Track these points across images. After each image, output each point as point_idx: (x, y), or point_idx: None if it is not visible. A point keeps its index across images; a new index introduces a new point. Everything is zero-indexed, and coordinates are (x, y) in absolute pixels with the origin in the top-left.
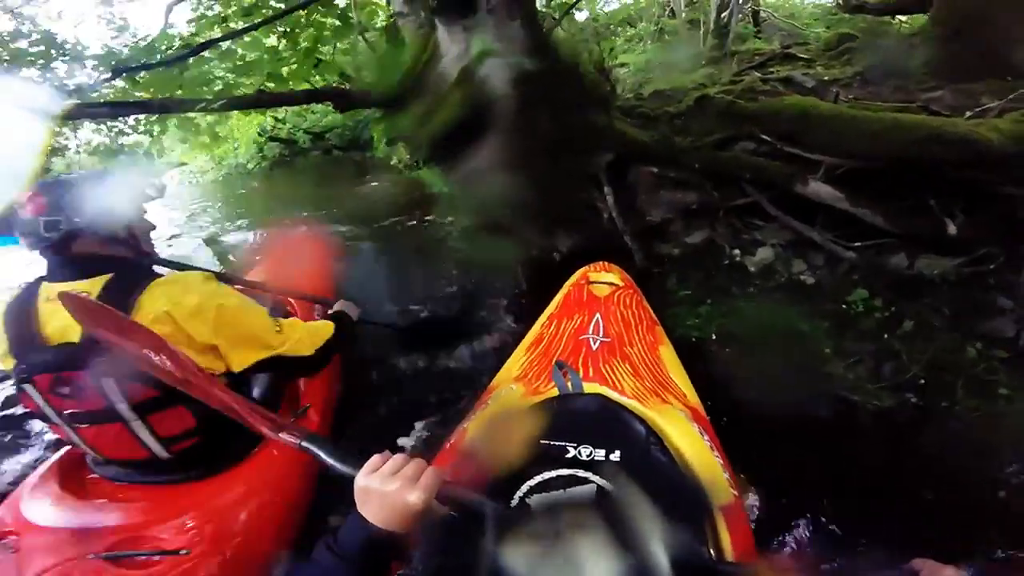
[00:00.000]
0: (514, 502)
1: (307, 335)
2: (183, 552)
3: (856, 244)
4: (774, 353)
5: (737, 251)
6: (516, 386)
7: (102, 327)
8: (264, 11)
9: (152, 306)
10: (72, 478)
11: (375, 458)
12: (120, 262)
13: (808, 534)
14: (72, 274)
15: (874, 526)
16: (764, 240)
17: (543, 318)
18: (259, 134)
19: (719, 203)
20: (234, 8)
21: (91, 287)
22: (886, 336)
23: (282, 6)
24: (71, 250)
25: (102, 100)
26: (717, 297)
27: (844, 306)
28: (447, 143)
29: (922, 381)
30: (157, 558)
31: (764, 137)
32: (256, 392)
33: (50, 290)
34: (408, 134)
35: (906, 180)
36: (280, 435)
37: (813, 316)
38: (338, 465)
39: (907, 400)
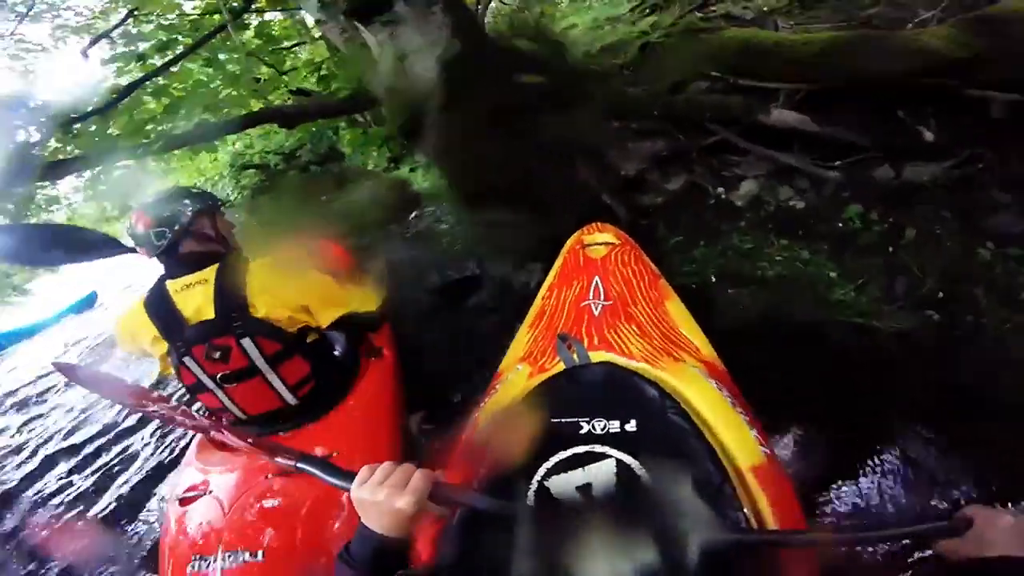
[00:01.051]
0: (533, 487)
1: (367, 296)
2: (334, 454)
3: (837, 163)
4: (778, 286)
5: (721, 189)
6: (522, 367)
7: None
8: (179, 44)
9: (259, 283)
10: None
11: (364, 470)
12: (219, 255)
13: (850, 484)
14: (186, 271)
15: (917, 466)
16: (745, 174)
17: (543, 291)
18: (231, 165)
19: (688, 146)
20: (150, 45)
21: (207, 276)
22: (890, 249)
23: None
24: (179, 252)
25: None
26: (709, 239)
27: (840, 225)
28: (404, 141)
29: (940, 295)
30: None
31: (715, 74)
32: (337, 349)
33: (175, 285)
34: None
35: (870, 95)
36: (276, 459)
37: (811, 240)
38: (333, 480)
39: (928, 318)
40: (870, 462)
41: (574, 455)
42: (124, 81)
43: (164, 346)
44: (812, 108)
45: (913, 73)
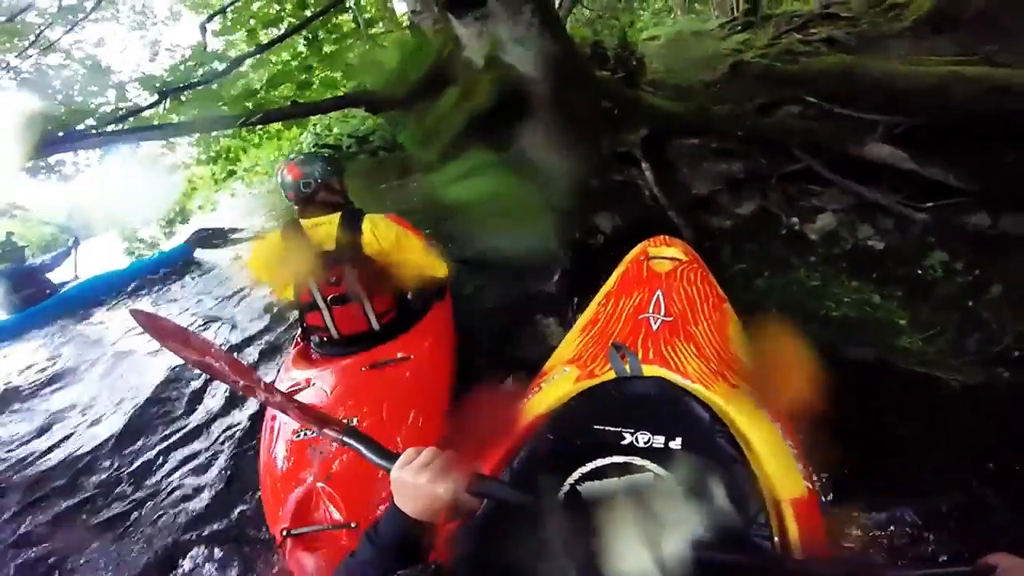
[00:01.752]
0: (565, 489)
1: (441, 264)
2: (411, 357)
3: (928, 204)
4: (842, 326)
5: (795, 219)
6: (569, 368)
7: (169, 339)
8: (286, 21)
9: (369, 232)
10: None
11: (409, 451)
12: (342, 205)
13: (890, 528)
14: (318, 213)
15: (962, 519)
16: (824, 206)
17: (599, 297)
18: (314, 145)
19: (769, 171)
20: (257, 21)
21: (332, 219)
22: (970, 303)
23: (306, 13)
24: (316, 200)
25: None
26: (775, 269)
27: (919, 272)
28: (481, 128)
29: (1016, 354)
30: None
31: (809, 99)
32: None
33: (308, 223)
34: (435, 127)
35: (977, 135)
36: (324, 431)
37: (885, 284)
38: (375, 458)
39: (998, 375)
40: (910, 509)
41: (612, 464)
42: (233, 54)
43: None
44: (911, 144)
45: None
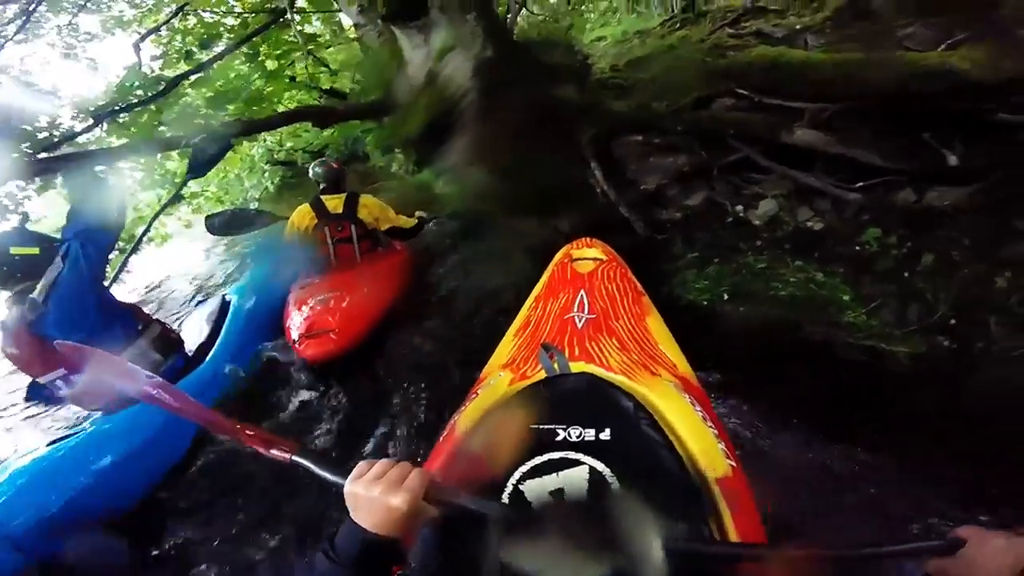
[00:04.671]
0: (508, 489)
1: (407, 220)
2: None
3: (859, 184)
4: (790, 306)
5: (740, 207)
6: (504, 373)
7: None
8: (224, 38)
9: (361, 204)
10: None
11: (361, 465)
12: (345, 189)
13: (847, 498)
14: (335, 193)
15: (919, 488)
16: (765, 193)
17: (530, 301)
18: (265, 161)
19: (711, 162)
20: (191, 39)
21: (341, 197)
22: (906, 275)
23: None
24: (339, 186)
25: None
26: (725, 256)
27: (857, 248)
28: (426, 145)
29: (952, 321)
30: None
31: (741, 91)
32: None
33: (327, 198)
34: (392, 142)
35: (897, 117)
36: (271, 452)
37: (827, 262)
38: (327, 475)
39: (939, 343)
40: (870, 478)
41: (549, 460)
42: (170, 74)
43: (314, 224)
44: (836, 129)
45: (941, 95)
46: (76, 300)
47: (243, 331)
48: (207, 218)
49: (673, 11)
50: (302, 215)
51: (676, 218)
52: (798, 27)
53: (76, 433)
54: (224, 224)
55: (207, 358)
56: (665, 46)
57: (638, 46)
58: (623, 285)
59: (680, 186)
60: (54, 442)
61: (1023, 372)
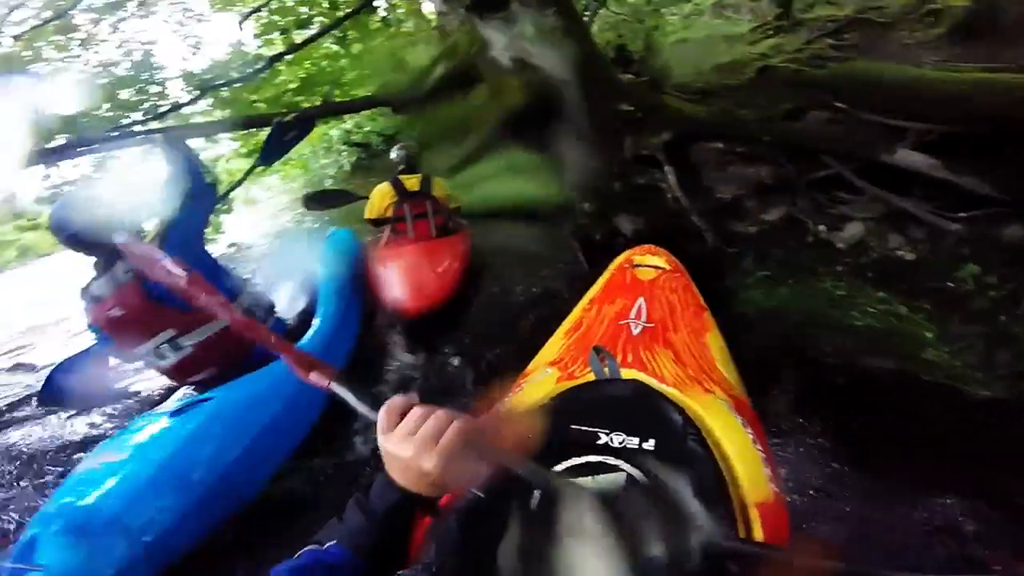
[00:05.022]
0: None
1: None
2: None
3: (961, 215)
4: (866, 337)
5: (823, 227)
6: (551, 370)
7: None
8: (316, 22)
9: (434, 183)
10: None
11: (392, 408)
12: (421, 171)
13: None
14: (411, 173)
15: (984, 532)
16: (853, 215)
17: (584, 302)
18: (343, 142)
19: (797, 176)
20: (290, 19)
21: (416, 177)
22: (1002, 318)
23: (338, 14)
24: (414, 167)
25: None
26: (800, 277)
27: (951, 284)
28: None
29: None
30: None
31: (839, 105)
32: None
33: (404, 178)
34: (460, 125)
35: (1010, 144)
36: (311, 375)
37: (913, 296)
38: (364, 410)
39: None
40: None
41: (587, 462)
42: (267, 53)
43: (394, 201)
44: (941, 152)
45: None
46: (189, 249)
47: (341, 308)
48: (305, 196)
49: (766, 18)
50: (383, 194)
51: (751, 232)
52: (909, 42)
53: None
54: (320, 201)
55: (312, 331)
56: (756, 54)
57: (724, 51)
58: (685, 297)
59: (759, 199)
60: (178, 412)
61: None
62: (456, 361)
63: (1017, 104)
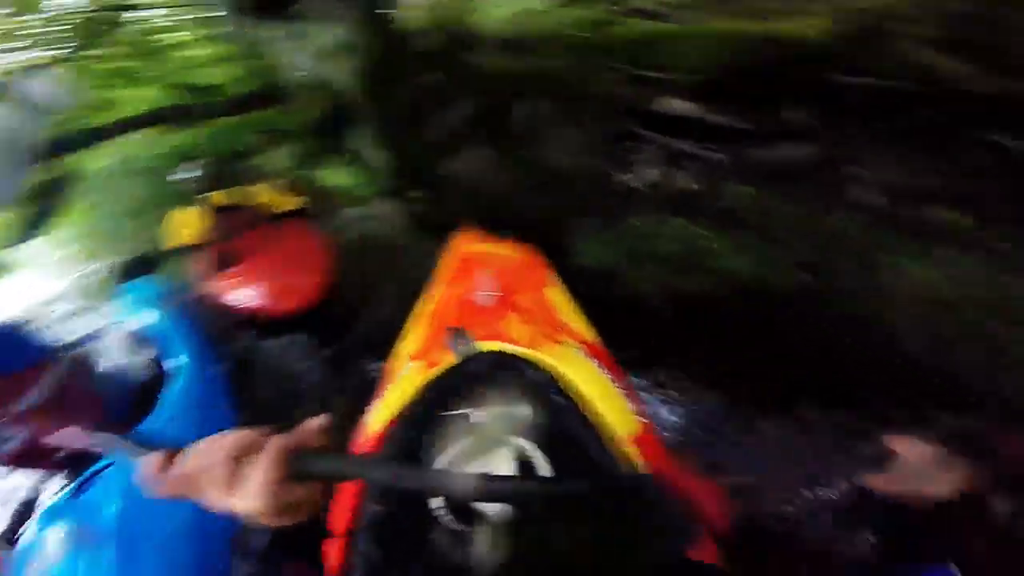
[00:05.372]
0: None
1: (292, 200)
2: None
3: (714, 147)
4: (676, 262)
5: (629, 175)
6: (413, 363)
7: None
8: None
9: (250, 193)
10: None
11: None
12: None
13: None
14: (215, 189)
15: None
16: (647, 160)
17: (429, 289)
18: (128, 171)
19: (600, 134)
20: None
21: (225, 192)
22: (766, 224)
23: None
24: (219, 182)
25: None
26: (616, 222)
27: (725, 202)
28: (322, 136)
29: (809, 260)
30: None
31: (618, 66)
32: None
33: (209, 195)
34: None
35: (756, 82)
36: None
37: (703, 218)
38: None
39: (805, 282)
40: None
41: (470, 444)
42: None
43: (206, 222)
44: (705, 97)
45: (788, 62)
46: None
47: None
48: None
49: None
50: (188, 218)
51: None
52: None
53: None
54: (132, 271)
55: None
56: (560, 25)
57: (528, 26)
58: (520, 258)
59: (572, 159)
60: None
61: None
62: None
63: (746, 50)
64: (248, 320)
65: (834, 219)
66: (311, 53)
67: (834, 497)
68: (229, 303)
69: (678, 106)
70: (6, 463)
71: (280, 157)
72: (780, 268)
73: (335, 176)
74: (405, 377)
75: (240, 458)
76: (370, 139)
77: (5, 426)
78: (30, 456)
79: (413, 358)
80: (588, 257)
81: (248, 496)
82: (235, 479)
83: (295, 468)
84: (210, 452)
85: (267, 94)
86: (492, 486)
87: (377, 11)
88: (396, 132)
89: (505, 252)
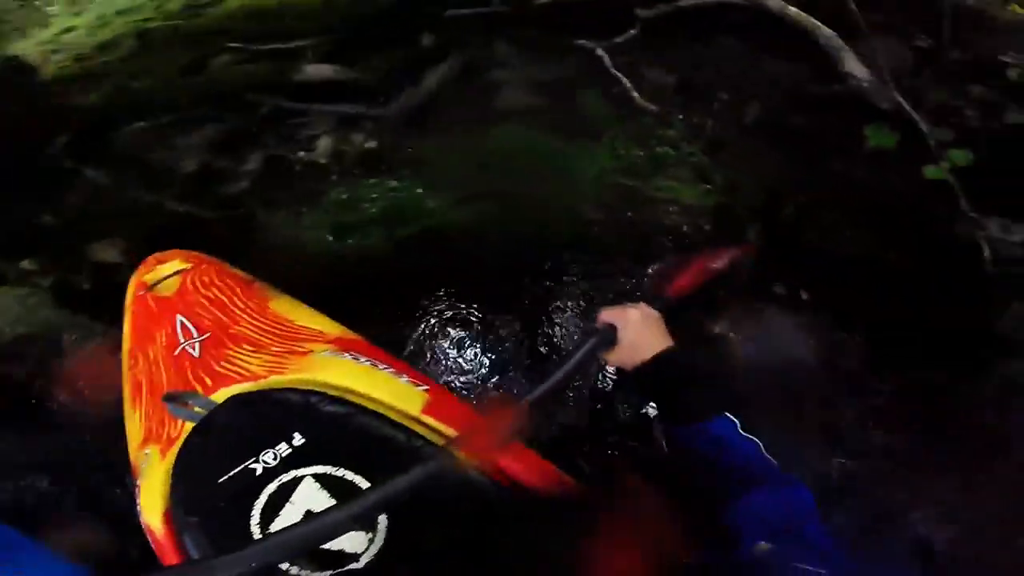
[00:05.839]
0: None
1: None
2: None
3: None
4: (385, 219)
5: (302, 153)
6: (150, 450)
7: None
8: None
9: None
10: None
11: None
12: None
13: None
14: None
15: None
16: (317, 132)
17: (124, 360)
18: None
19: (246, 123)
20: None
21: None
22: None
23: None
24: None
25: None
26: (310, 203)
27: (411, 149)
28: None
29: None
30: None
31: (233, 45)
32: None
33: None
34: None
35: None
36: None
37: (392, 172)
38: None
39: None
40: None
41: (270, 497)
42: None
43: None
44: (339, 57)
45: None
46: None
47: None
48: None
49: None
50: None
51: (244, 188)
52: None
53: None
54: None
55: None
56: (133, 22)
57: (104, 28)
58: (225, 284)
59: (229, 156)
60: None
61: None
62: None
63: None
64: None
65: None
66: None
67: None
68: None
69: (323, 71)
70: None
71: None
72: (470, 197)
73: None
74: (148, 469)
75: None
76: None
77: None
78: None
79: (143, 444)
80: (295, 247)
81: None
82: None
83: None
84: None
85: None
86: (322, 525)
87: None
88: None
89: (194, 278)
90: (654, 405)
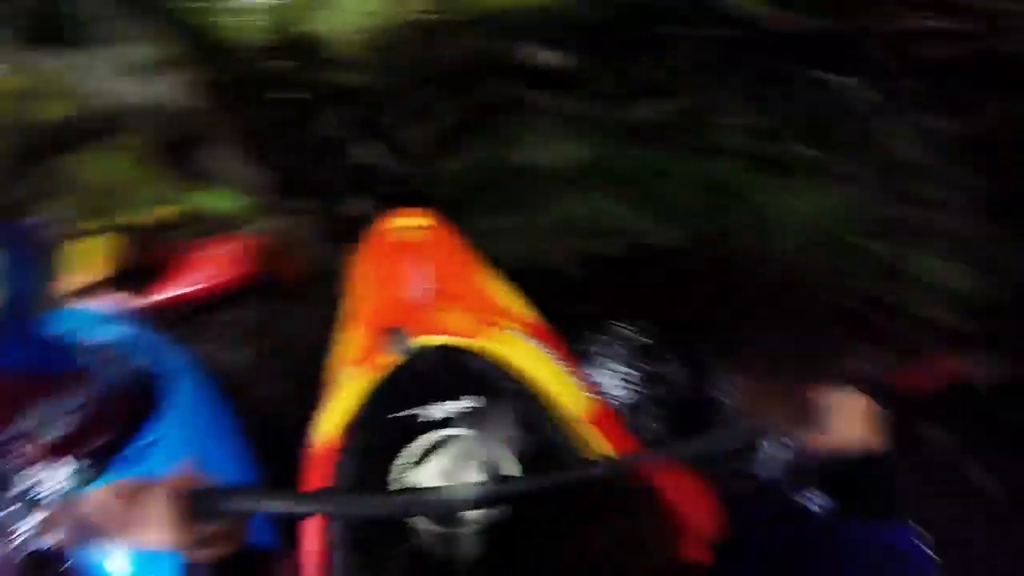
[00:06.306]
0: (392, 487)
1: None
2: None
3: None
4: (582, 230)
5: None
6: (353, 368)
7: None
8: None
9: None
10: None
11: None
12: None
13: None
14: None
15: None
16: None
17: (356, 286)
18: None
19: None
20: None
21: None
22: (654, 182)
23: None
24: None
25: None
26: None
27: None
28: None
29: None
30: None
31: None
32: None
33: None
34: None
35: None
36: None
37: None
38: None
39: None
40: None
41: (420, 447)
42: None
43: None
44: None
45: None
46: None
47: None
48: None
49: None
50: (92, 248)
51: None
52: None
53: None
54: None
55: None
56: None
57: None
58: (453, 246)
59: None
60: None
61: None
62: None
63: None
64: (188, 303)
65: (708, 165)
66: (127, 75)
67: (780, 457)
68: (165, 299)
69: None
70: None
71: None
72: (674, 221)
73: (207, 199)
74: (349, 383)
75: (133, 500)
76: (231, 157)
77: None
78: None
79: (355, 363)
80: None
81: (153, 532)
82: (132, 520)
83: (199, 508)
84: (101, 498)
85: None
86: (456, 500)
87: (188, 22)
88: (263, 146)
89: (429, 236)
90: (817, 496)
